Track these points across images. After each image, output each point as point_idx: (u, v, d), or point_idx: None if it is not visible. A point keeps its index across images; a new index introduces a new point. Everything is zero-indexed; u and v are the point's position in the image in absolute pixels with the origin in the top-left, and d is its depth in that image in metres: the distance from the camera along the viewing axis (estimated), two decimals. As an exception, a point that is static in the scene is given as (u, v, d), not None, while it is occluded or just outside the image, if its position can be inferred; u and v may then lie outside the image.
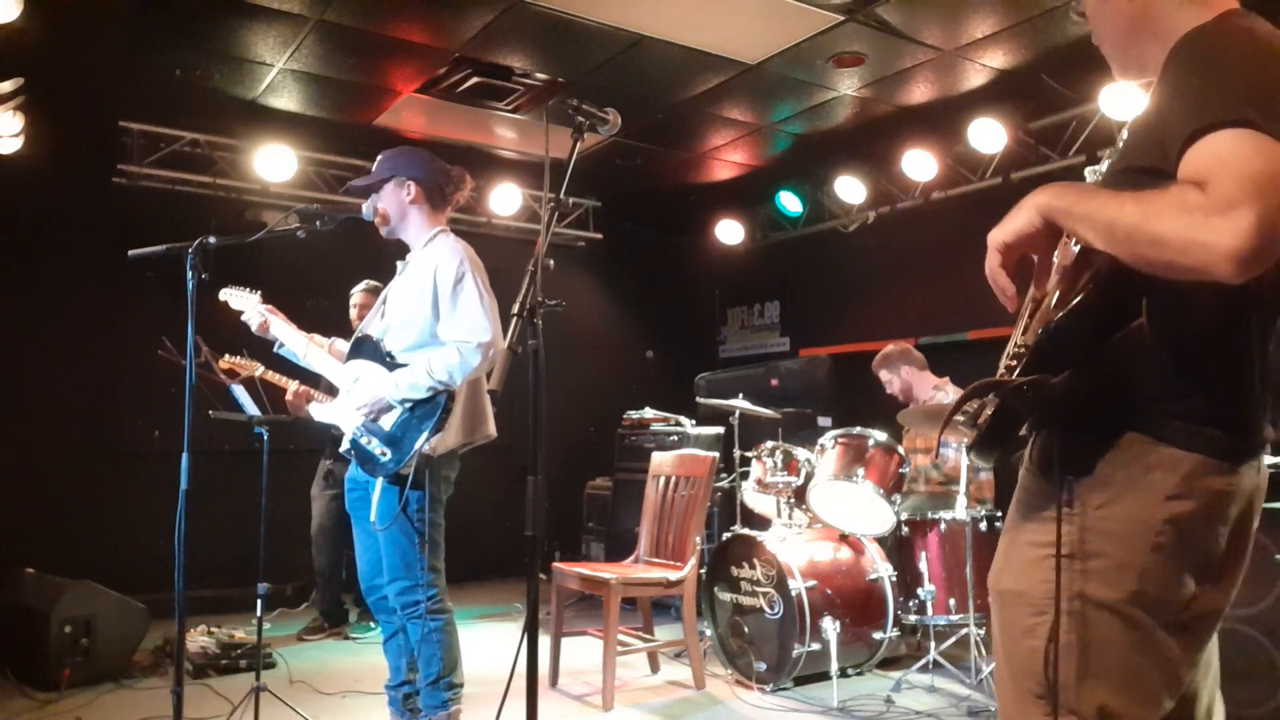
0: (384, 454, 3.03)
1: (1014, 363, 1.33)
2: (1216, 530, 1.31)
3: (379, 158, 3.24)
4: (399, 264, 3.28)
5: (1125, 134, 1.46)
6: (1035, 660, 1.31)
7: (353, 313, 5.01)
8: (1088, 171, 1.71)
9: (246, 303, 3.32)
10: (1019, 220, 1.36)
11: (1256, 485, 1.36)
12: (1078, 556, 1.31)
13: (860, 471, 4.14)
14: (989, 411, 1.33)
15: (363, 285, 5.07)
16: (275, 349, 3.35)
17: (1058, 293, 1.33)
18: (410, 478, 2.98)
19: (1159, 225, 1.17)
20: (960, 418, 1.40)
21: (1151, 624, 1.28)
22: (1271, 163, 1.13)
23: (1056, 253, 1.39)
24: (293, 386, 3.91)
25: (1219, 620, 1.42)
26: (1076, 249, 1.33)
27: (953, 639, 4.17)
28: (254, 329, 3.30)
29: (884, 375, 5.08)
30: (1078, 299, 1.29)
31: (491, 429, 3.20)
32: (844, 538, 4.43)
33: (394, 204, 3.18)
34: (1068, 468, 1.34)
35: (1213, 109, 1.19)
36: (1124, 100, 5.06)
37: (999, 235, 1.39)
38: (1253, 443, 1.32)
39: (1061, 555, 1.31)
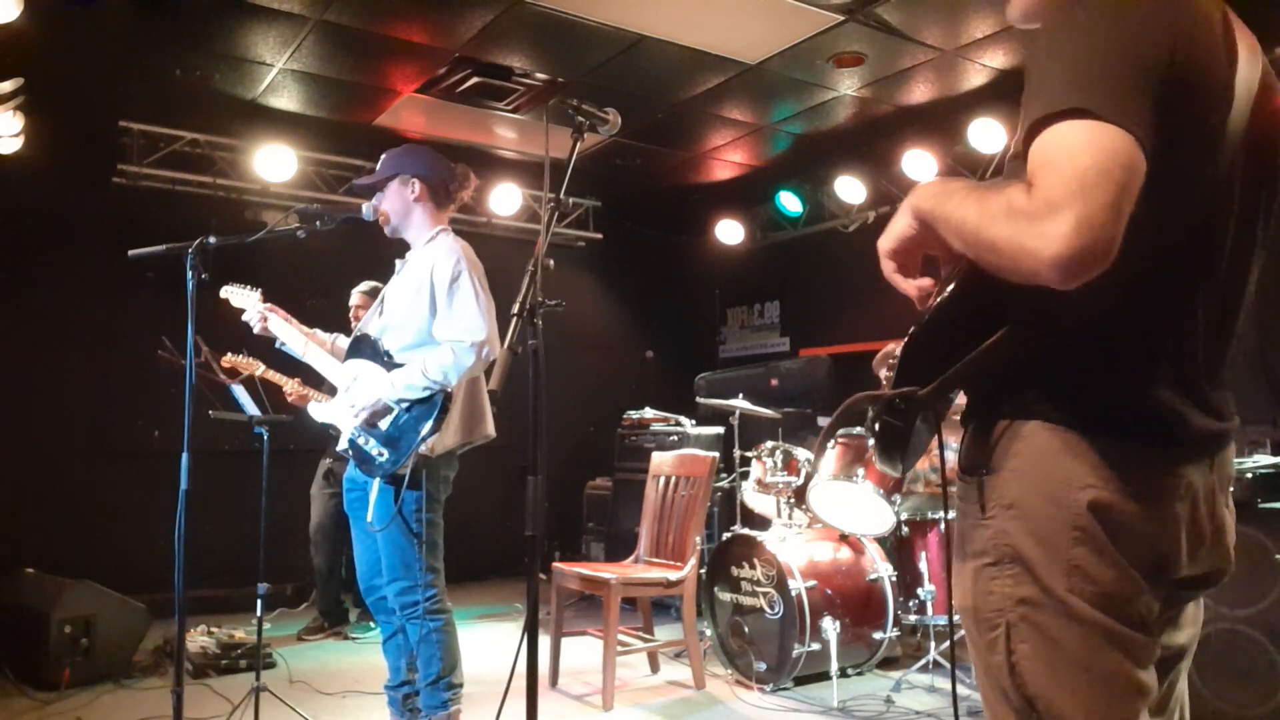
0: (381, 454, 3.03)
1: (891, 373, 1.30)
2: (1159, 526, 1.21)
3: (383, 156, 3.24)
4: (398, 262, 3.28)
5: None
6: (1004, 675, 1.24)
7: (355, 310, 5.01)
8: None
9: (247, 300, 3.33)
10: (898, 224, 1.31)
11: (1206, 482, 1.25)
12: (1007, 560, 1.23)
13: (860, 471, 4.14)
14: (874, 424, 1.30)
15: (361, 286, 5.07)
16: (277, 346, 3.35)
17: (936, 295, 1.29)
18: (408, 478, 2.98)
19: (992, 230, 1.11)
20: (852, 429, 1.40)
21: (1102, 618, 1.19)
22: (1099, 155, 1.05)
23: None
24: (289, 386, 3.92)
25: (1184, 655, 1.34)
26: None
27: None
28: (255, 329, 3.30)
29: (884, 374, 5.05)
30: (937, 300, 1.26)
31: (490, 429, 3.20)
32: (844, 538, 4.43)
33: (398, 202, 3.18)
34: (979, 468, 1.28)
35: (1049, 95, 1.10)
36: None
37: (883, 243, 1.34)
38: (1180, 430, 1.22)
39: (993, 564, 1.24)
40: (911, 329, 1.28)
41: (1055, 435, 1.22)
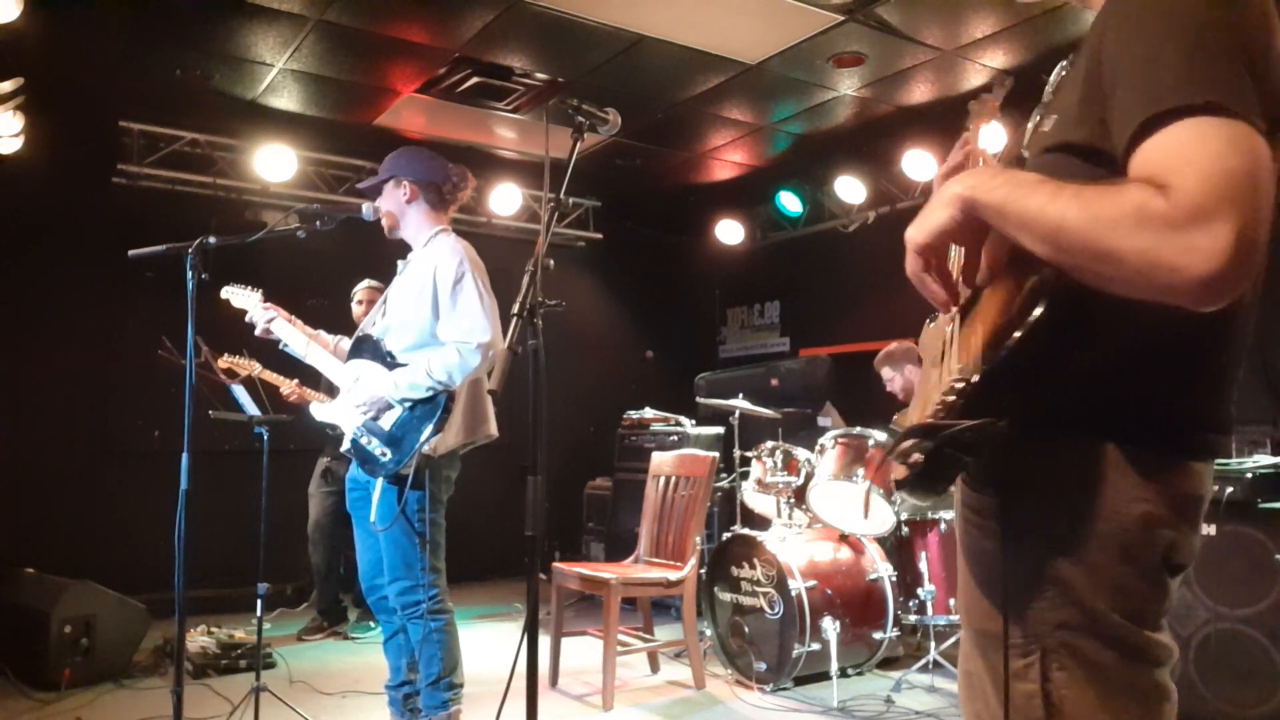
0: (384, 454, 3.03)
1: (952, 398, 1.09)
2: (1190, 537, 1.16)
3: (385, 160, 3.25)
4: (399, 263, 3.28)
5: (1052, 93, 1.24)
6: (1035, 705, 1.15)
7: (357, 310, 5.01)
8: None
9: (248, 301, 3.33)
10: (937, 218, 1.13)
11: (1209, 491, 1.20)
12: (1047, 582, 1.14)
13: (860, 471, 4.14)
14: (919, 456, 1.11)
15: (366, 283, 5.07)
16: (280, 346, 3.35)
17: (997, 301, 1.12)
18: (410, 478, 2.98)
19: (1112, 239, 0.95)
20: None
21: (1138, 633, 1.14)
22: (1247, 159, 0.92)
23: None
24: (287, 387, 3.91)
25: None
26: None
27: (953, 639, 4.17)
28: (257, 331, 3.31)
29: (886, 372, 5.07)
30: (1030, 318, 1.05)
31: (493, 429, 3.20)
32: (844, 538, 4.43)
33: (393, 204, 3.19)
34: (1021, 486, 1.16)
35: (1172, 88, 0.96)
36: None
37: (916, 236, 1.16)
38: (1215, 443, 1.16)
39: (1029, 584, 1.15)
40: (994, 351, 1.08)
41: (1102, 452, 1.12)
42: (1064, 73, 1.27)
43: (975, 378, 1.07)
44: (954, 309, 1.21)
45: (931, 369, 1.32)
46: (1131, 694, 1.15)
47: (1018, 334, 1.05)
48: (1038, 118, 1.28)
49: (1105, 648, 1.13)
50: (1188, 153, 0.94)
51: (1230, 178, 0.92)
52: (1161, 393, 1.13)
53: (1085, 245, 0.98)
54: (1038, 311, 1.05)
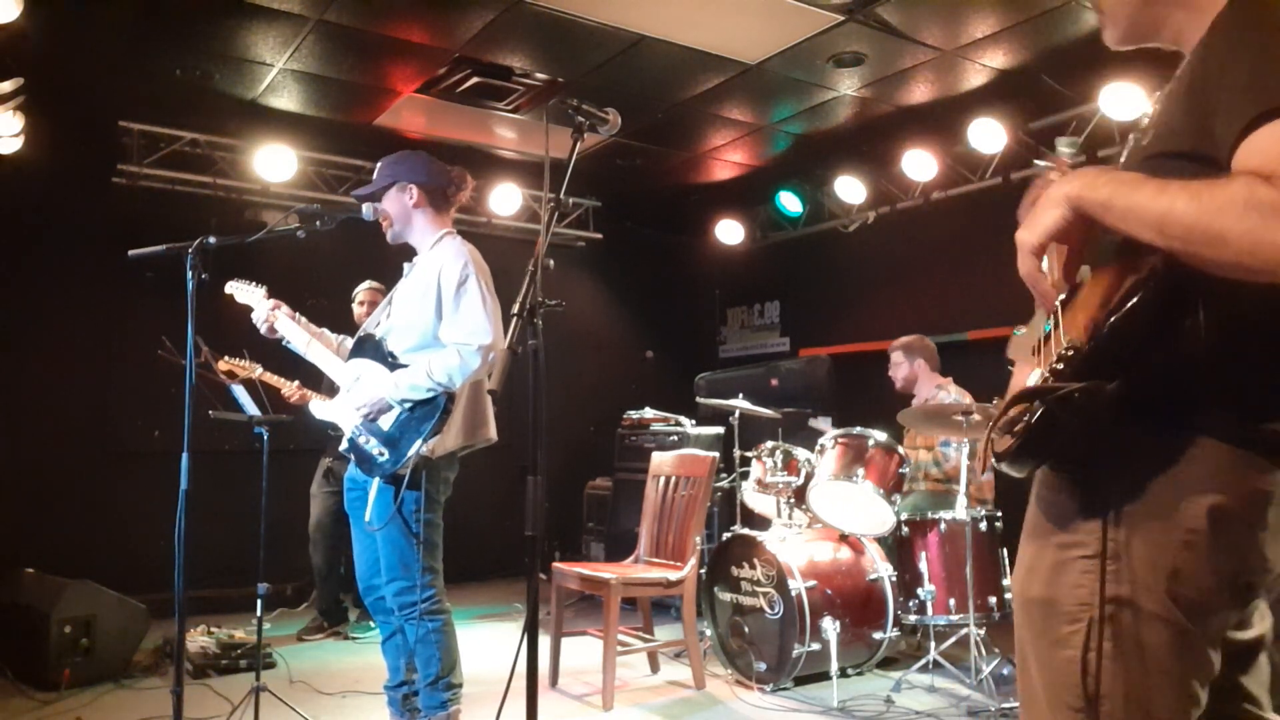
0: (382, 454, 3.03)
1: (1061, 366, 1.20)
2: (1256, 535, 1.19)
3: (379, 164, 3.24)
4: (406, 265, 3.29)
5: (1153, 114, 1.35)
6: (1071, 671, 1.22)
7: (358, 311, 5.02)
8: (1060, 143, 1.62)
9: (252, 297, 3.33)
10: (1049, 219, 1.24)
11: None
12: (1107, 558, 1.22)
13: (860, 471, 4.14)
14: (1031, 420, 1.20)
15: (367, 284, 5.08)
16: (283, 343, 3.35)
17: (1098, 290, 1.23)
18: (408, 478, 2.98)
19: (1221, 222, 1.07)
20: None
21: (1189, 627, 1.19)
22: None
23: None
24: (288, 388, 3.91)
25: (1260, 647, 1.33)
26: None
27: (953, 639, 4.17)
28: (262, 330, 3.30)
29: (897, 357, 5.08)
30: (1135, 299, 1.17)
31: (492, 432, 3.20)
32: (844, 538, 4.43)
33: (397, 209, 3.19)
34: (1099, 466, 1.24)
35: (1277, 92, 1.08)
36: (1124, 100, 5.06)
37: (1030, 238, 1.26)
38: None
39: (1090, 557, 1.23)
40: (1096, 325, 1.20)
41: (1183, 442, 1.19)
42: (1157, 104, 1.36)
43: (1084, 347, 1.19)
44: (1056, 305, 1.31)
45: (1024, 366, 1.41)
46: (1167, 679, 1.19)
47: (1116, 317, 1.17)
48: (1134, 140, 1.39)
49: (1151, 629, 1.19)
50: None
51: None
52: (1254, 392, 1.19)
53: (1193, 229, 1.10)
54: (1136, 299, 1.17)
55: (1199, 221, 1.09)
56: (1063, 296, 1.31)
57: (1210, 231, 1.08)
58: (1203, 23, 1.24)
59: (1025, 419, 1.21)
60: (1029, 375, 1.35)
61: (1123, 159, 1.39)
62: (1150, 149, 1.28)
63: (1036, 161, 1.69)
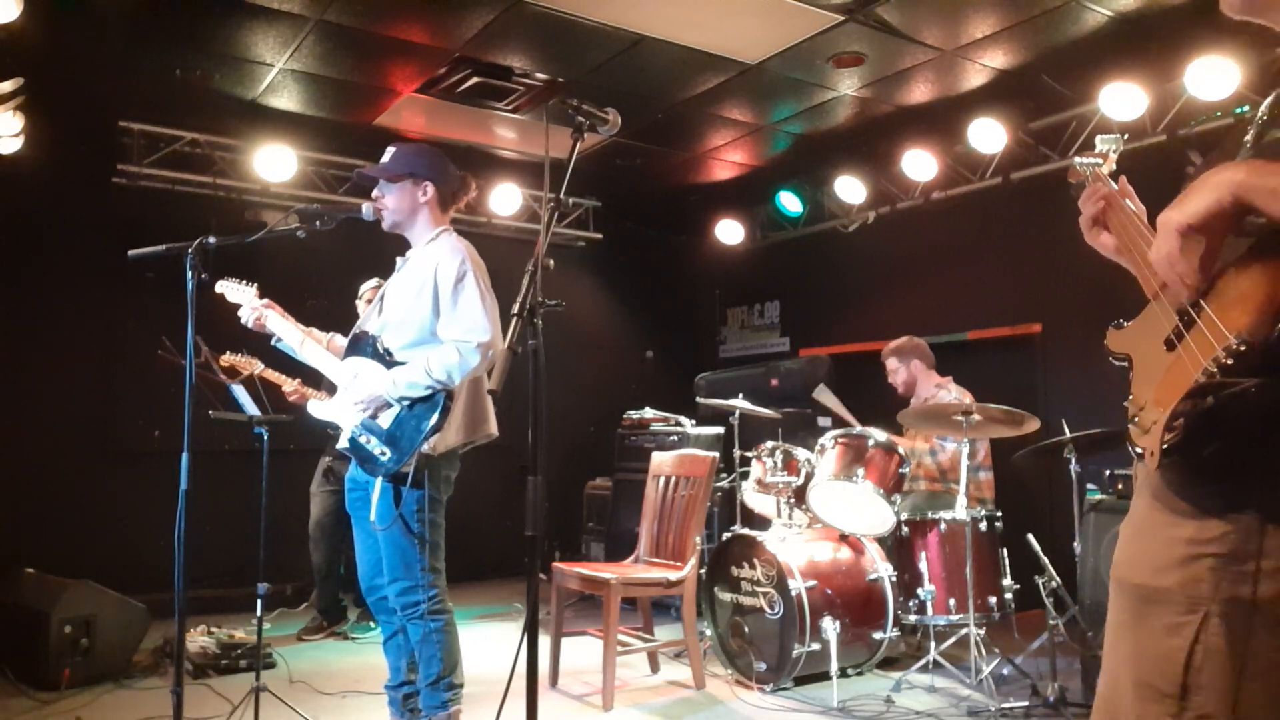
0: (383, 453, 3.02)
1: (1232, 361, 1.17)
2: None
3: (394, 149, 3.22)
4: (399, 260, 3.28)
5: (1266, 111, 1.34)
6: (1175, 660, 1.23)
7: (363, 308, 4.99)
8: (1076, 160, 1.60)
9: (243, 295, 3.32)
10: (1204, 200, 1.21)
11: None
12: (1236, 559, 1.21)
13: (860, 471, 4.14)
14: (1199, 413, 1.20)
15: (374, 281, 5.05)
16: (273, 343, 3.35)
17: (1266, 283, 1.21)
18: (410, 477, 2.98)
19: None
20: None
21: None
22: None
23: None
24: (289, 386, 3.90)
25: None
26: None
27: (953, 639, 4.17)
28: (249, 324, 3.30)
29: (892, 364, 5.07)
30: None
31: (493, 428, 3.20)
32: (844, 538, 4.43)
33: (407, 201, 3.18)
34: (1255, 467, 1.22)
35: None
36: (1124, 100, 5.06)
37: (1179, 218, 1.24)
38: None
39: (1221, 556, 1.22)
40: (1266, 325, 1.17)
41: None
42: (1275, 98, 1.35)
43: (1259, 341, 1.15)
44: (1194, 296, 1.28)
45: (1151, 359, 1.37)
46: (1265, 686, 1.20)
47: None
48: (1258, 130, 1.36)
49: (1265, 632, 1.19)
50: None
51: None
52: None
53: None
54: None
55: None
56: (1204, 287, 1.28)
57: None
58: None
59: (1190, 413, 1.20)
60: (1164, 368, 1.33)
61: (1248, 153, 1.36)
62: None
63: (1077, 161, 1.67)
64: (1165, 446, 1.26)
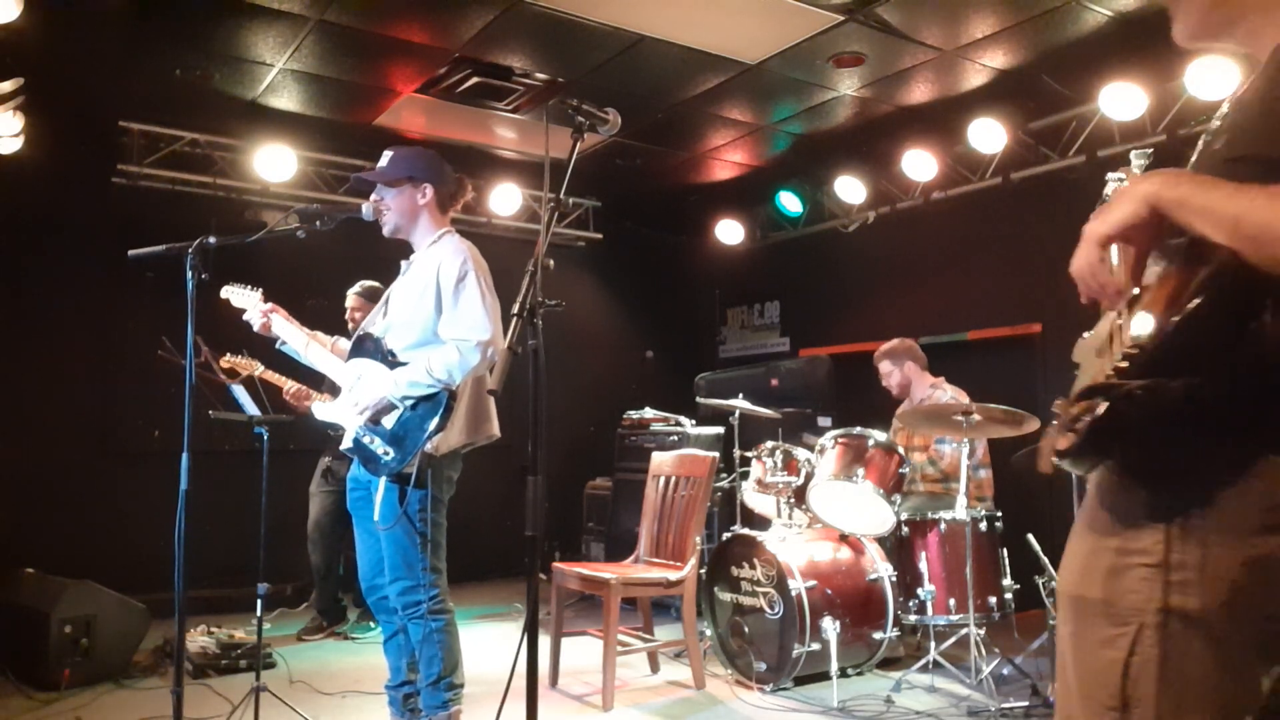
0: (386, 453, 3.03)
1: (1126, 364, 1.20)
2: None
3: (392, 153, 3.23)
4: (403, 263, 3.29)
5: (1228, 116, 1.36)
6: (1113, 672, 1.23)
7: (347, 315, 4.98)
8: (1111, 178, 1.61)
9: (248, 300, 3.33)
10: (1123, 211, 1.24)
11: None
12: (1168, 567, 1.21)
13: (860, 471, 4.14)
14: (1095, 417, 1.22)
15: (356, 288, 5.04)
16: (277, 346, 3.35)
17: (1165, 290, 1.23)
18: (413, 477, 2.98)
19: None
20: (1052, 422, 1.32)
21: (1240, 648, 1.19)
22: None
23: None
24: (290, 387, 3.90)
25: None
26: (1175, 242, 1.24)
27: (953, 639, 4.17)
28: (255, 328, 3.31)
29: (885, 367, 5.07)
30: (1201, 298, 1.17)
31: (495, 429, 3.21)
32: (844, 538, 4.43)
33: (407, 205, 3.19)
34: (1167, 471, 1.25)
35: None
36: (1124, 100, 5.07)
37: (1099, 228, 1.27)
38: None
39: (1150, 565, 1.22)
40: (1161, 325, 1.20)
41: (1254, 456, 1.19)
42: (1229, 108, 1.37)
43: (1149, 344, 1.19)
44: (1121, 304, 1.30)
45: (1089, 368, 1.41)
46: (1205, 695, 1.19)
47: (1182, 316, 1.17)
48: (1206, 140, 1.38)
49: (1200, 644, 1.19)
50: None
51: None
52: None
53: (1267, 228, 1.11)
54: (1202, 298, 1.17)
55: (1274, 222, 1.10)
56: (1131, 295, 1.30)
57: None
58: None
59: (1088, 416, 1.22)
60: (1096, 367, 1.35)
61: (1193, 161, 1.39)
62: (1224, 153, 1.29)
63: (1109, 175, 1.69)
64: (1062, 449, 1.28)
